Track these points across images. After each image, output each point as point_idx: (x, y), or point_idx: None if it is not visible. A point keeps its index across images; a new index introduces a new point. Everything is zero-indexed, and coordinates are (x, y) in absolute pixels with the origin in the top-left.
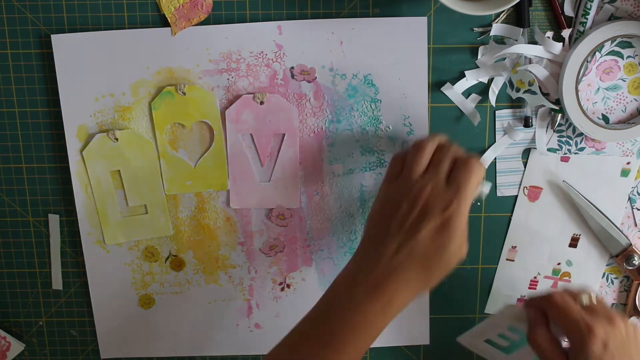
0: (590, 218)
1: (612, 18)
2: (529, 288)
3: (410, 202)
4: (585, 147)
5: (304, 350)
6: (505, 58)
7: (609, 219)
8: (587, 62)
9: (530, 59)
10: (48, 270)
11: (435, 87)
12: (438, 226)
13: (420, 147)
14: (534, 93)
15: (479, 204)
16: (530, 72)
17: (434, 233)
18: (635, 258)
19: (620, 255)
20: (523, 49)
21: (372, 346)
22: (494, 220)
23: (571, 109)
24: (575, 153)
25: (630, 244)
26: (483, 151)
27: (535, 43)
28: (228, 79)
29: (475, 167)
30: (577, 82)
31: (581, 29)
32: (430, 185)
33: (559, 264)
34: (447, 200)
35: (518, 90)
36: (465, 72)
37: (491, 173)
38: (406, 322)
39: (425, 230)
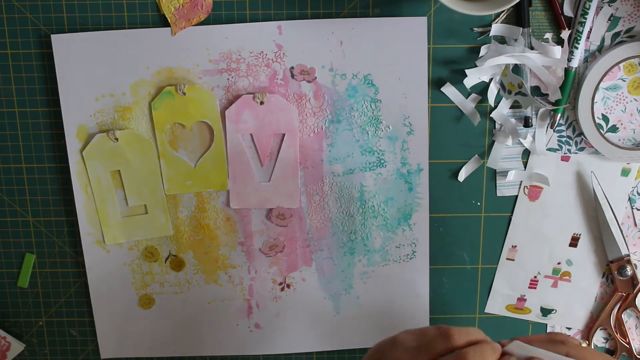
0: (602, 215)
1: (612, 18)
2: (529, 287)
3: None
4: (585, 147)
5: None
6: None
7: (619, 224)
8: (588, 62)
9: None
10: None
11: (435, 87)
12: None
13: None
14: (524, 95)
15: (479, 204)
16: (518, 76)
17: None
18: (628, 270)
19: (615, 263)
20: (524, 58)
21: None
22: (494, 220)
23: (586, 125)
24: (575, 153)
25: (629, 255)
26: (483, 152)
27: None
28: (228, 79)
29: None
30: (594, 97)
31: (580, 29)
32: None
33: (559, 263)
34: None
35: (510, 93)
36: (466, 70)
37: (492, 173)
38: (406, 322)
39: None
